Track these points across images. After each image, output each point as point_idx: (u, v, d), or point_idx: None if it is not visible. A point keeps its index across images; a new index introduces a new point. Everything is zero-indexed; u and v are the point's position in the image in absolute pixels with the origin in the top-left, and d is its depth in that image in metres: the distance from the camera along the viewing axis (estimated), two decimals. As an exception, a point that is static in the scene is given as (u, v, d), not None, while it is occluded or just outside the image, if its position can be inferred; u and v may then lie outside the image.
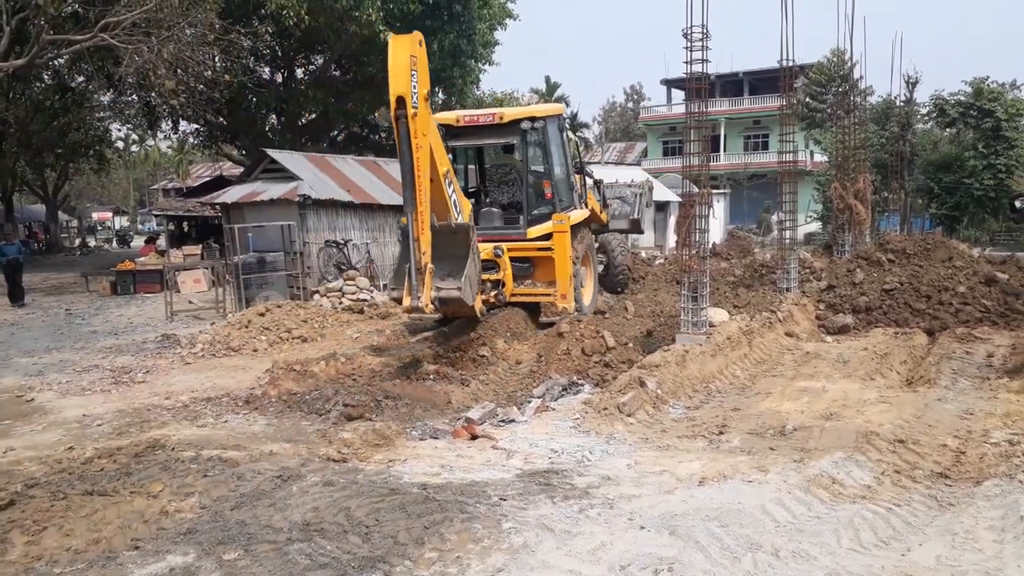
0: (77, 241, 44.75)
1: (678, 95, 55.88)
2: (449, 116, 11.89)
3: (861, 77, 23.75)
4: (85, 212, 60.77)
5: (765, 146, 52.54)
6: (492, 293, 11.17)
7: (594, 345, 9.68)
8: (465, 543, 4.50)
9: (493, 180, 13.11)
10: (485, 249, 10.85)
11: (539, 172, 12.36)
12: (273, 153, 19.51)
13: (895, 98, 28.52)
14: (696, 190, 10.64)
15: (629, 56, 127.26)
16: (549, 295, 11.68)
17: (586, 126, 72.24)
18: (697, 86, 10.56)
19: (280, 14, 22.60)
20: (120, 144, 42.28)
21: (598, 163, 52.32)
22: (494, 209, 12.36)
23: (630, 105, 79.95)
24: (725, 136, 53.66)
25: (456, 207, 9.89)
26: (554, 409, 7.80)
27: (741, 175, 47.25)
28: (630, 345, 10.03)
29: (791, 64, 13.76)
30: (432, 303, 8.64)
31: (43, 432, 7.80)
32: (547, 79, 63.00)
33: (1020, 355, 9.22)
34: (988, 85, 29.62)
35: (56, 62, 20.98)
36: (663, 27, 58.06)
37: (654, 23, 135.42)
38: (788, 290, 13.34)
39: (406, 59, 8.37)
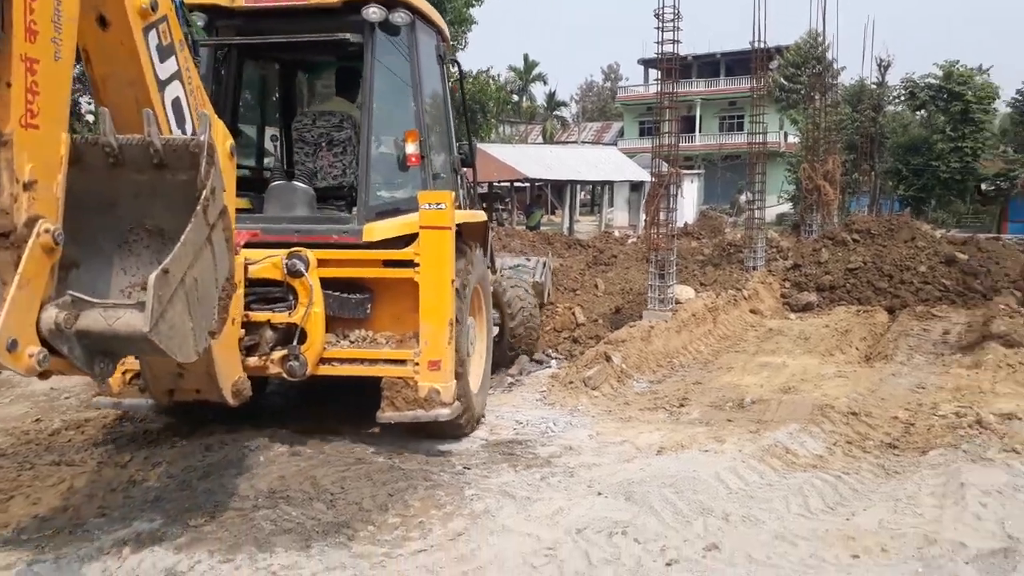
0: None
1: (656, 75, 55.95)
2: None
3: (834, 59, 23.98)
4: None
5: (740, 127, 52.78)
6: (275, 355, 5.29)
7: (564, 321, 9.83)
8: (428, 509, 4.62)
9: (307, 133, 6.21)
10: (266, 258, 5.24)
11: (396, 115, 6.20)
12: None
13: (867, 80, 28.90)
14: (667, 169, 10.79)
15: (607, 35, 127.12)
16: (403, 361, 5.40)
17: (564, 104, 72.39)
18: (668, 66, 10.69)
19: None
20: None
21: (575, 142, 52.40)
22: (298, 184, 6.02)
23: (607, 85, 79.86)
24: (701, 117, 53.85)
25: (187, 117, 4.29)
26: (522, 383, 7.94)
27: (716, 156, 47.53)
28: (599, 321, 10.21)
29: (764, 46, 13.94)
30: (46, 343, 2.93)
31: (9, 405, 7.75)
32: (525, 57, 63.05)
33: (974, 332, 9.52)
34: (958, 69, 30.04)
35: None
36: (641, 6, 58.06)
37: (631, 2, 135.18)
38: (755, 269, 13.57)
39: None
